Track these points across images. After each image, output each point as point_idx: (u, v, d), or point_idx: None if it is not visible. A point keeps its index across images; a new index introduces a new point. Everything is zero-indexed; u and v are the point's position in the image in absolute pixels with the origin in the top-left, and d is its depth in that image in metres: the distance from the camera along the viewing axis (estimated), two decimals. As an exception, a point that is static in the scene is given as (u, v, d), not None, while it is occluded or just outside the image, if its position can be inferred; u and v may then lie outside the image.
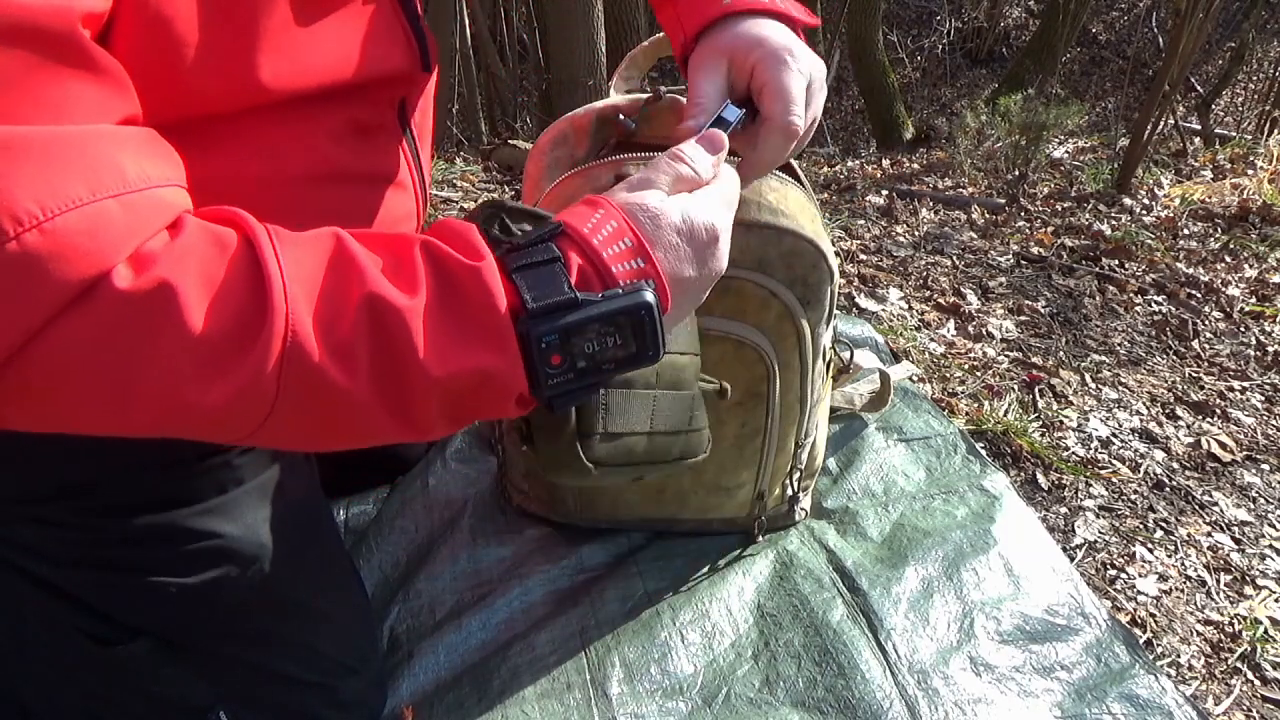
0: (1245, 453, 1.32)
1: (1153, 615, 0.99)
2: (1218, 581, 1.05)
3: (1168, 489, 1.21)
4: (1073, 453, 1.27)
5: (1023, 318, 1.73)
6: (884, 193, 2.69)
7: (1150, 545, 1.10)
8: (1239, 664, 0.94)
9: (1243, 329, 1.77)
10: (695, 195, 0.54)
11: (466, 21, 3.92)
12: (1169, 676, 0.87)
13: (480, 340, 0.46)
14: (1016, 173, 2.77)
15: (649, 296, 0.48)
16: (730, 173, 0.58)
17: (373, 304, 0.44)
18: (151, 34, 0.48)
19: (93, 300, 0.40)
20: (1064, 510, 1.15)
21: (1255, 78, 6.30)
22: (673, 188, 0.54)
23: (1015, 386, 1.43)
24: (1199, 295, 1.91)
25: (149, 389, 0.42)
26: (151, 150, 0.45)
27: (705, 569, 0.95)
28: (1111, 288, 1.92)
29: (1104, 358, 1.59)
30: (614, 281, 0.48)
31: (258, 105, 0.55)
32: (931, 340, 1.59)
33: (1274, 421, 1.43)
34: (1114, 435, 1.32)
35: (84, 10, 0.42)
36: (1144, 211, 2.50)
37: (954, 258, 2.04)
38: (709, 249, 0.53)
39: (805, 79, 0.63)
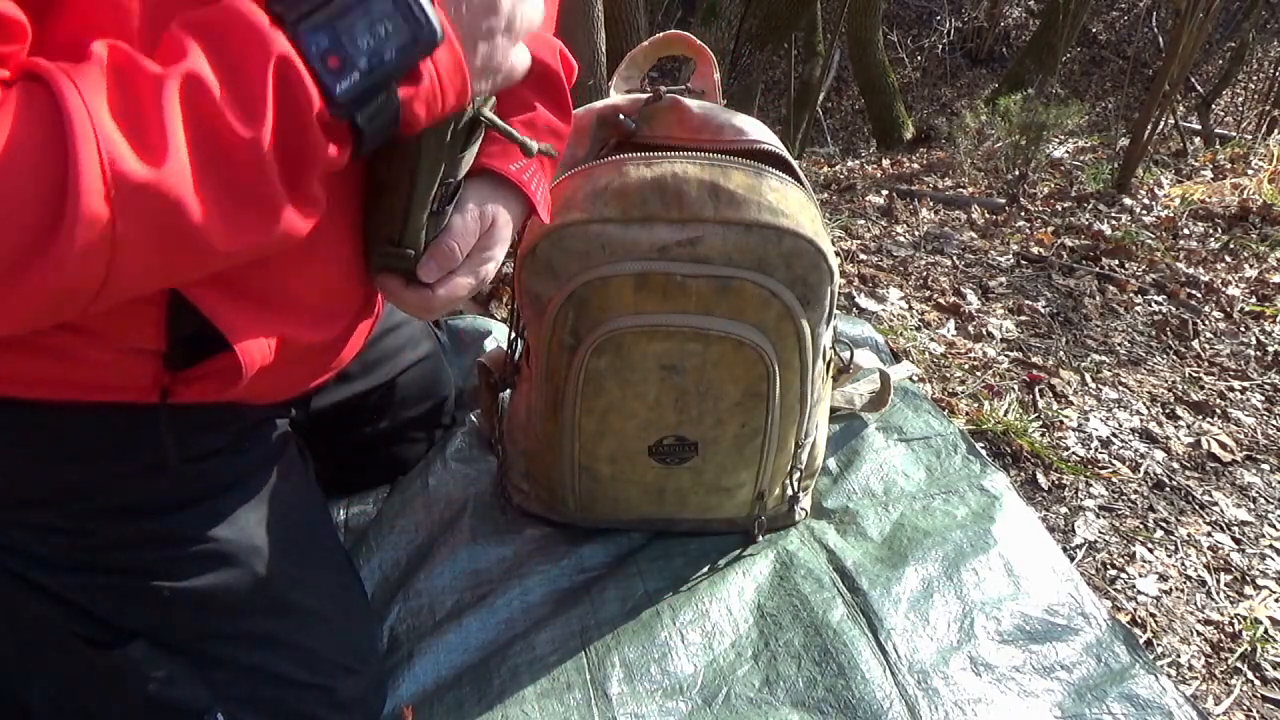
0: (1245, 453, 1.32)
1: (1153, 615, 0.99)
2: (1218, 581, 1.05)
3: (1168, 489, 1.21)
4: (1073, 453, 1.27)
5: (1023, 318, 1.73)
6: (884, 193, 2.69)
7: (1150, 545, 1.10)
8: (1239, 664, 0.94)
9: (1243, 329, 1.77)
10: None
11: (466, 21, 3.91)
12: (1169, 676, 0.87)
13: (257, 53, 0.45)
14: (1016, 173, 2.76)
15: None
16: None
17: (166, 87, 0.43)
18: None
19: None
20: (1064, 510, 1.15)
21: (1255, 78, 6.29)
22: None
23: (1015, 386, 1.43)
24: (1199, 295, 1.91)
25: None
26: None
27: (705, 569, 0.95)
28: (1111, 288, 1.92)
29: (1104, 358, 1.59)
30: None
31: None
32: (931, 340, 1.59)
33: (1274, 421, 1.43)
34: (1114, 435, 1.32)
35: None
36: (1144, 211, 2.50)
37: (954, 258, 2.04)
38: None
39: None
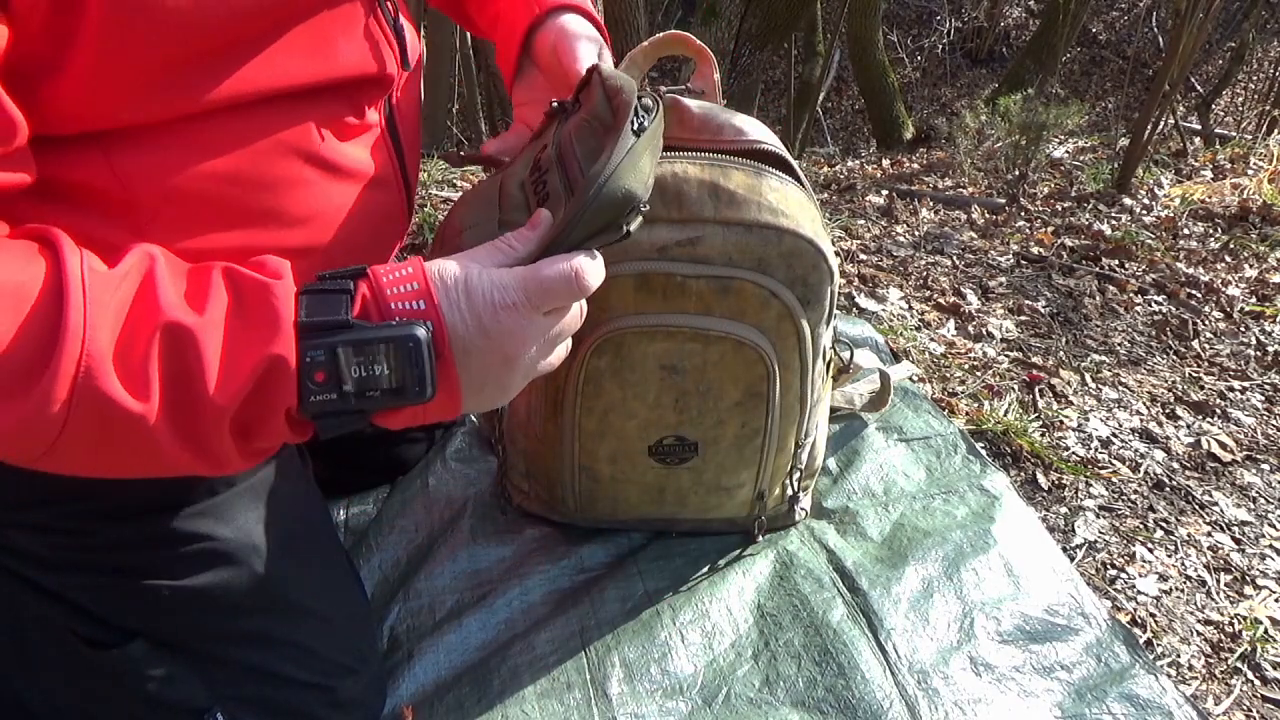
0: (1245, 453, 1.32)
1: (1153, 615, 0.99)
2: (1218, 581, 1.05)
3: (1168, 489, 1.21)
4: (1073, 453, 1.27)
5: (1023, 318, 1.73)
6: (884, 193, 2.69)
7: (1150, 545, 1.10)
8: (1239, 664, 0.94)
9: (1243, 329, 1.77)
10: (499, 269, 0.54)
11: (466, 21, 3.91)
12: (1169, 676, 0.87)
13: (260, 342, 0.47)
14: (1016, 173, 2.76)
15: (420, 332, 0.49)
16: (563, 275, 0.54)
17: (169, 329, 0.45)
18: (110, 59, 0.49)
19: None
20: (1064, 510, 1.15)
21: (1255, 78, 6.30)
22: (491, 262, 0.55)
23: (1015, 386, 1.43)
24: (1199, 295, 1.91)
25: None
26: None
27: (705, 569, 0.95)
28: (1111, 288, 1.92)
29: (1104, 358, 1.59)
30: (390, 315, 0.50)
31: (223, 106, 0.55)
32: (931, 340, 1.59)
33: (1274, 421, 1.43)
34: (1114, 435, 1.32)
35: None
36: (1144, 211, 2.50)
37: (954, 258, 2.04)
38: (493, 316, 0.52)
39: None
